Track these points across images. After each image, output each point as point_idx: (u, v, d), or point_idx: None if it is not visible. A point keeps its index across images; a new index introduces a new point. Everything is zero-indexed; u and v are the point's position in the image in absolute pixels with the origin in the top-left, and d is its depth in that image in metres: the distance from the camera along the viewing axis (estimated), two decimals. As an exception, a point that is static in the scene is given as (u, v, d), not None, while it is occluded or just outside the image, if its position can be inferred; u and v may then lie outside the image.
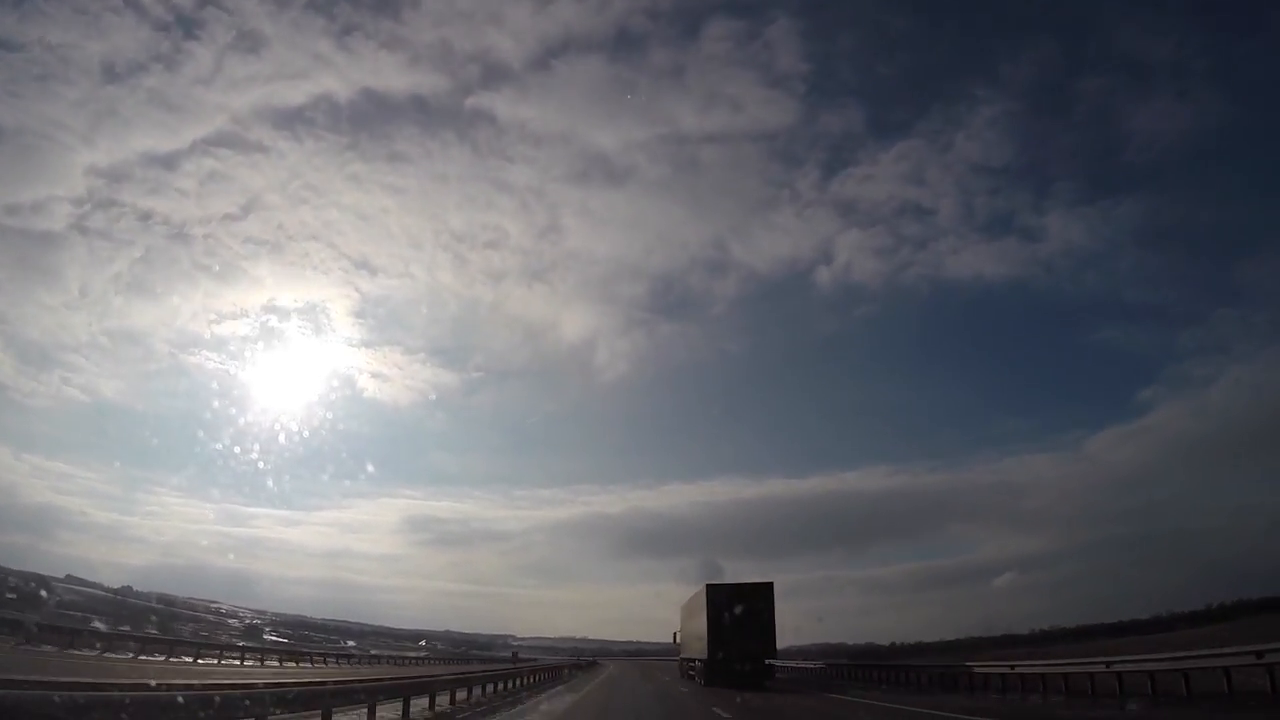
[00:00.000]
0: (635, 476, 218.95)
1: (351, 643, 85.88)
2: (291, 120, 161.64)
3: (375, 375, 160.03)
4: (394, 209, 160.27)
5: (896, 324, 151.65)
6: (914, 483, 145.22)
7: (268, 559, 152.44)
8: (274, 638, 79.30)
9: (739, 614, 29.75)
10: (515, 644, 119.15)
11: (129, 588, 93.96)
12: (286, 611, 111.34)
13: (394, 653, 72.22)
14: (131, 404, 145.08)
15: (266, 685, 10.42)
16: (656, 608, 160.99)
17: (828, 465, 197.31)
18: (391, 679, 17.42)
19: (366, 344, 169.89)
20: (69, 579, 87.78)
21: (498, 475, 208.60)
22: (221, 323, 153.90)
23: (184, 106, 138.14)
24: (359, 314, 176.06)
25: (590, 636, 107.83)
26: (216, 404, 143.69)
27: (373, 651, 70.70)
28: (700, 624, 32.40)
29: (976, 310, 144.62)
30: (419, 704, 15.64)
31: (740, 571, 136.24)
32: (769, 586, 31.32)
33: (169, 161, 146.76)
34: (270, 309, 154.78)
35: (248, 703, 8.25)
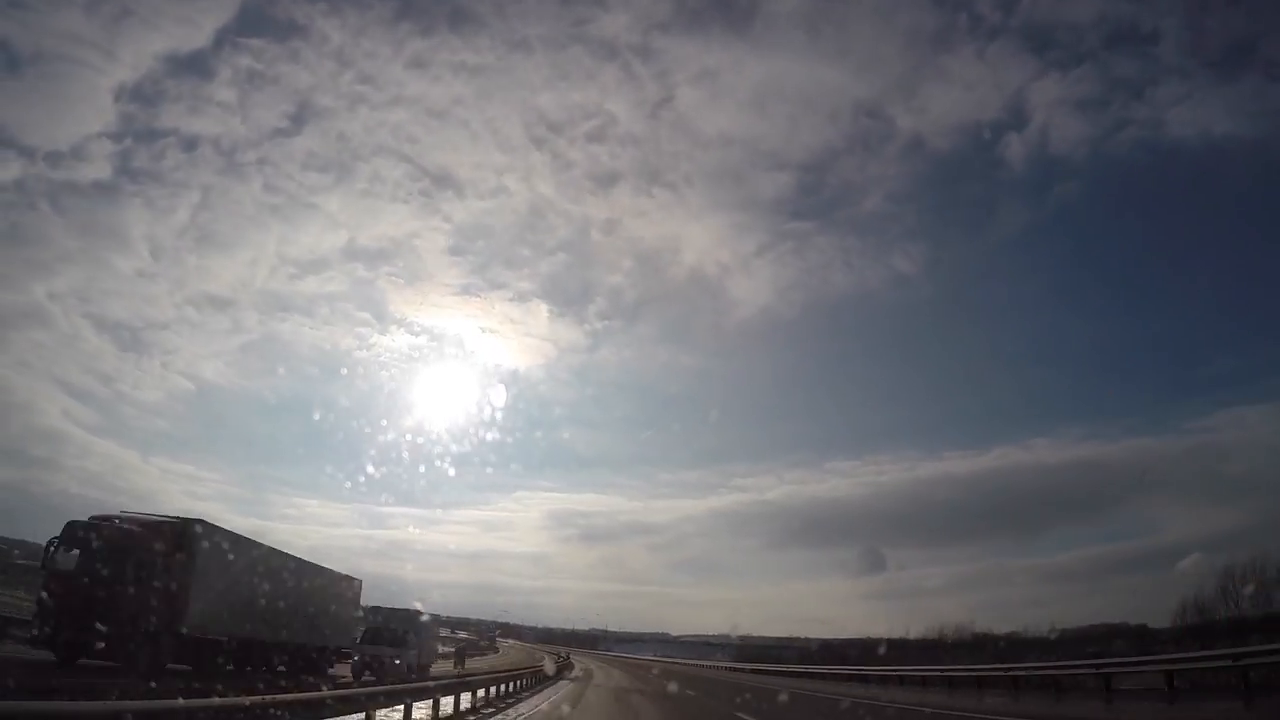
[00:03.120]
0: (791, 450, 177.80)
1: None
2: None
3: (486, 330, 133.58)
4: (470, 97, 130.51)
5: (1101, 211, 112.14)
6: (1105, 451, 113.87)
7: (413, 562, 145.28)
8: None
9: None
10: (673, 638, 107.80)
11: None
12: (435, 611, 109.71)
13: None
14: (234, 385, 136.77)
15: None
16: (817, 604, 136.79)
17: (1013, 430, 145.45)
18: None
19: (469, 290, 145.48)
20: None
21: (637, 455, 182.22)
22: (304, 278, 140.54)
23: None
24: (454, 251, 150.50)
25: (754, 633, 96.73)
26: (318, 384, 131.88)
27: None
28: None
29: (1200, 187, 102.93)
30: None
31: (904, 562, 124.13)
32: None
33: (200, 66, 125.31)
34: (352, 254, 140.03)
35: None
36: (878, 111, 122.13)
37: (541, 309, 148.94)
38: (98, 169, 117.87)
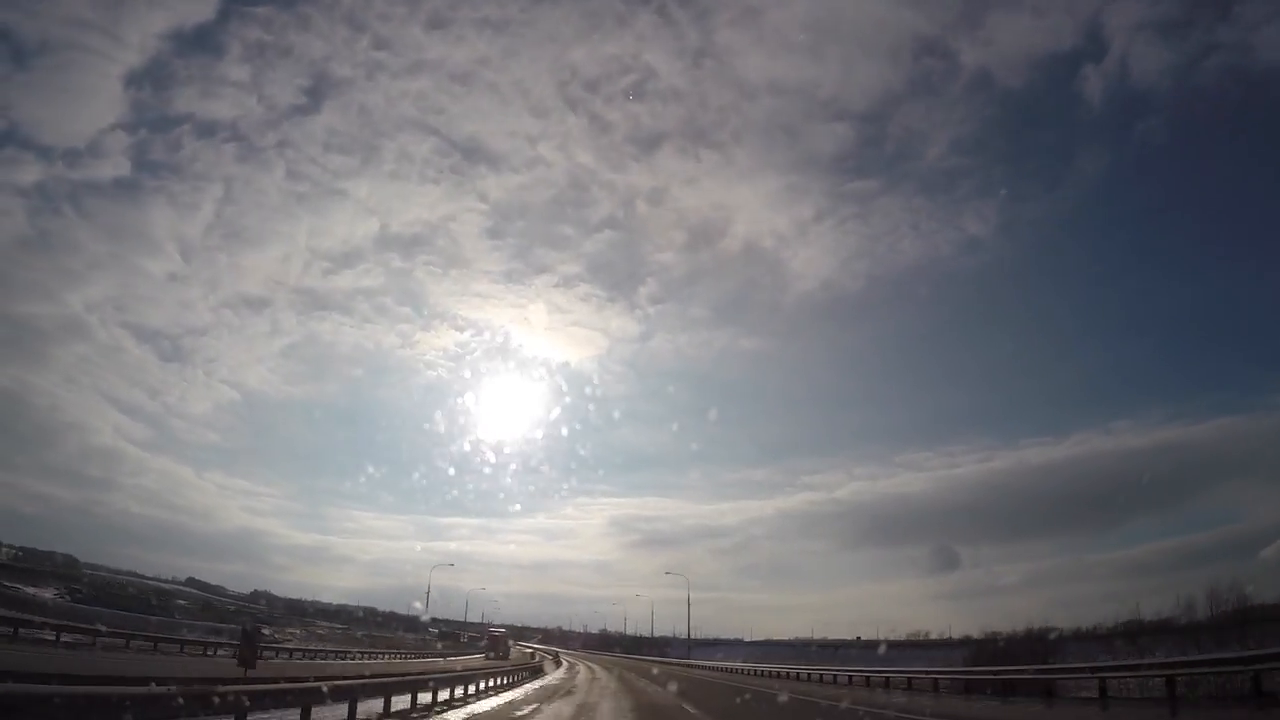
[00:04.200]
0: (859, 443, 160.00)
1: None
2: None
3: (532, 321, 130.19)
4: (496, 57, 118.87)
5: (1186, 152, 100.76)
6: (1189, 433, 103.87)
7: (477, 574, 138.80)
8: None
9: None
10: (746, 643, 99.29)
11: (266, 592, 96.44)
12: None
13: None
14: (279, 393, 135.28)
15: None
16: (892, 606, 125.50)
17: (1094, 412, 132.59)
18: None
19: (511, 277, 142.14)
20: (190, 581, 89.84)
21: (699, 454, 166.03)
22: (338, 272, 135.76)
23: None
24: (492, 233, 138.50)
25: (831, 637, 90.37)
26: (364, 387, 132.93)
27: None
28: None
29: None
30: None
31: (979, 559, 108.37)
32: None
33: (207, 42, 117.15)
34: (386, 242, 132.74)
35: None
36: (940, 46, 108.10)
37: (590, 296, 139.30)
38: (116, 165, 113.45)
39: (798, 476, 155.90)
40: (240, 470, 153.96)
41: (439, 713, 16.74)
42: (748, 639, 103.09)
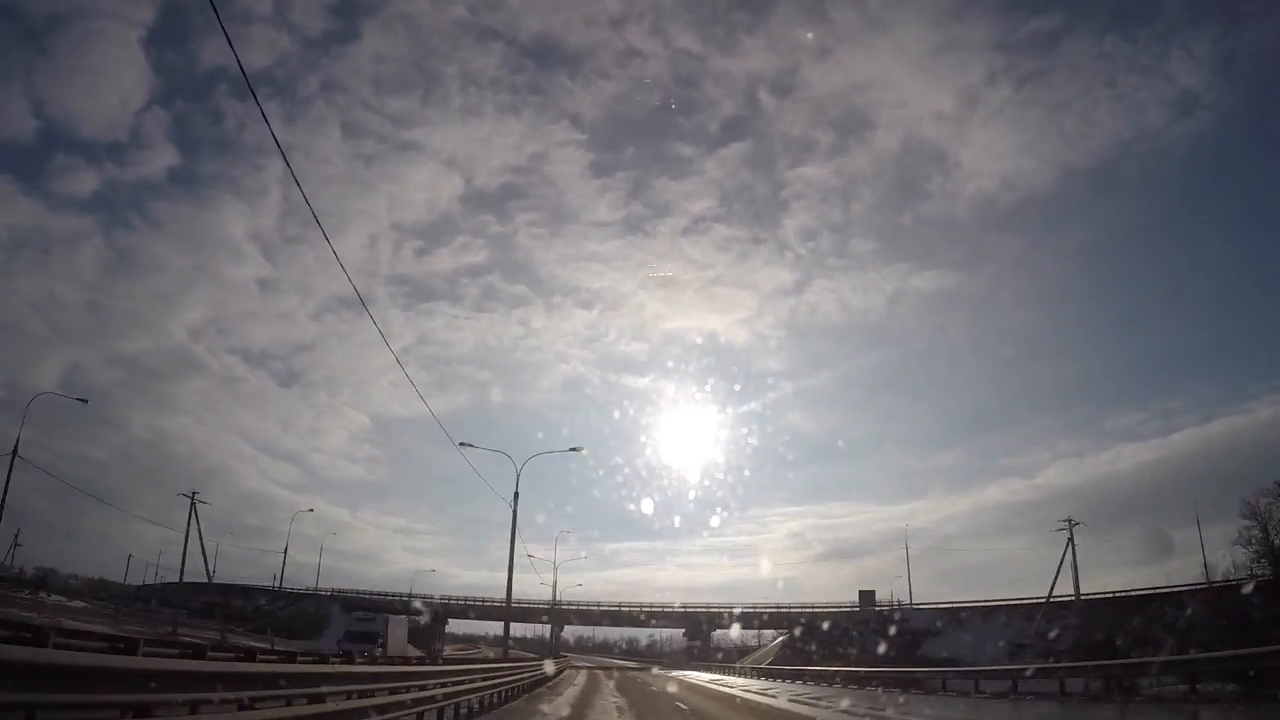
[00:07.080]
0: (1063, 407, 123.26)
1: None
2: None
3: (665, 282, 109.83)
4: None
5: None
6: None
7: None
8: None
9: None
10: None
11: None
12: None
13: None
14: (409, 410, 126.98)
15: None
16: None
17: None
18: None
19: (630, 226, 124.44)
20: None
21: (878, 435, 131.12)
22: (433, 250, 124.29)
23: None
24: (596, 169, 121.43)
25: None
26: (493, 390, 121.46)
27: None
28: None
29: None
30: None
31: (1193, 543, 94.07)
32: None
33: None
34: (475, 202, 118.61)
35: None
36: None
37: (729, 242, 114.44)
38: (164, 154, 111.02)
39: (994, 459, 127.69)
40: (391, 506, 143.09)
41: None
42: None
